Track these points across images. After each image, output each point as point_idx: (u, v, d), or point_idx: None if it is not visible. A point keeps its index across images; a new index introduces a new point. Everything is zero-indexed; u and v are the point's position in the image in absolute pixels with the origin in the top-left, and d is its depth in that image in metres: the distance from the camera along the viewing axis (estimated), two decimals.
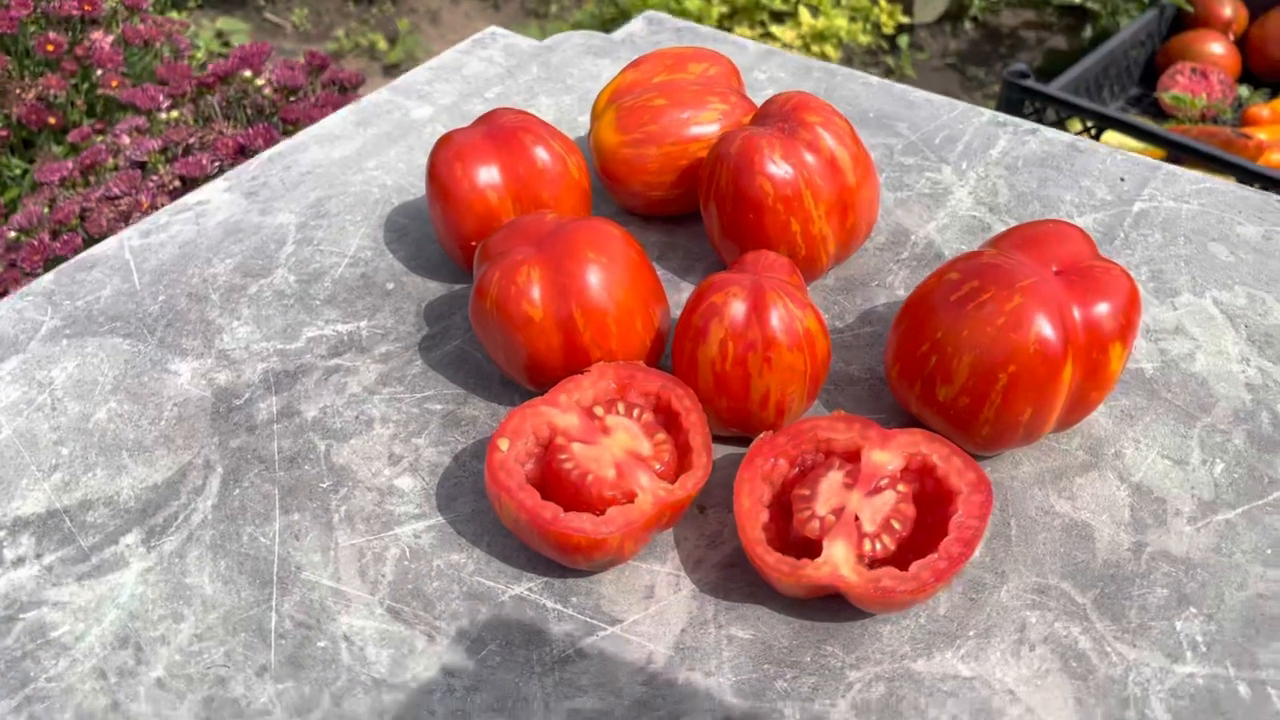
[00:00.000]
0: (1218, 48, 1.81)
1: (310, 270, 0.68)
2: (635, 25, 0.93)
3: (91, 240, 1.02)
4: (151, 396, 0.60)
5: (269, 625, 0.50)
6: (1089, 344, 0.51)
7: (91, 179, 1.10)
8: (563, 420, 0.53)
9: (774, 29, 2.13)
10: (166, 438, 0.58)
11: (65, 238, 1.02)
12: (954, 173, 0.75)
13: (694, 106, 0.66)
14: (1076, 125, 1.60)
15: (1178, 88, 1.75)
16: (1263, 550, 0.52)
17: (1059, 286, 0.51)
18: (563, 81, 0.86)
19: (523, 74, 0.87)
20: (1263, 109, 1.70)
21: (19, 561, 0.52)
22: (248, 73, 1.16)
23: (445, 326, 0.64)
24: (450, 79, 0.86)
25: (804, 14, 2.11)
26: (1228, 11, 1.86)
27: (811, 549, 0.49)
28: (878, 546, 0.48)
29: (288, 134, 1.10)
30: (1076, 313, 0.50)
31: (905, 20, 2.29)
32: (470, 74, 0.87)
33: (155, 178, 1.04)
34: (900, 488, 0.50)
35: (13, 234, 1.06)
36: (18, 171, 1.30)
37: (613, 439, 0.53)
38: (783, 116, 0.61)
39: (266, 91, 1.15)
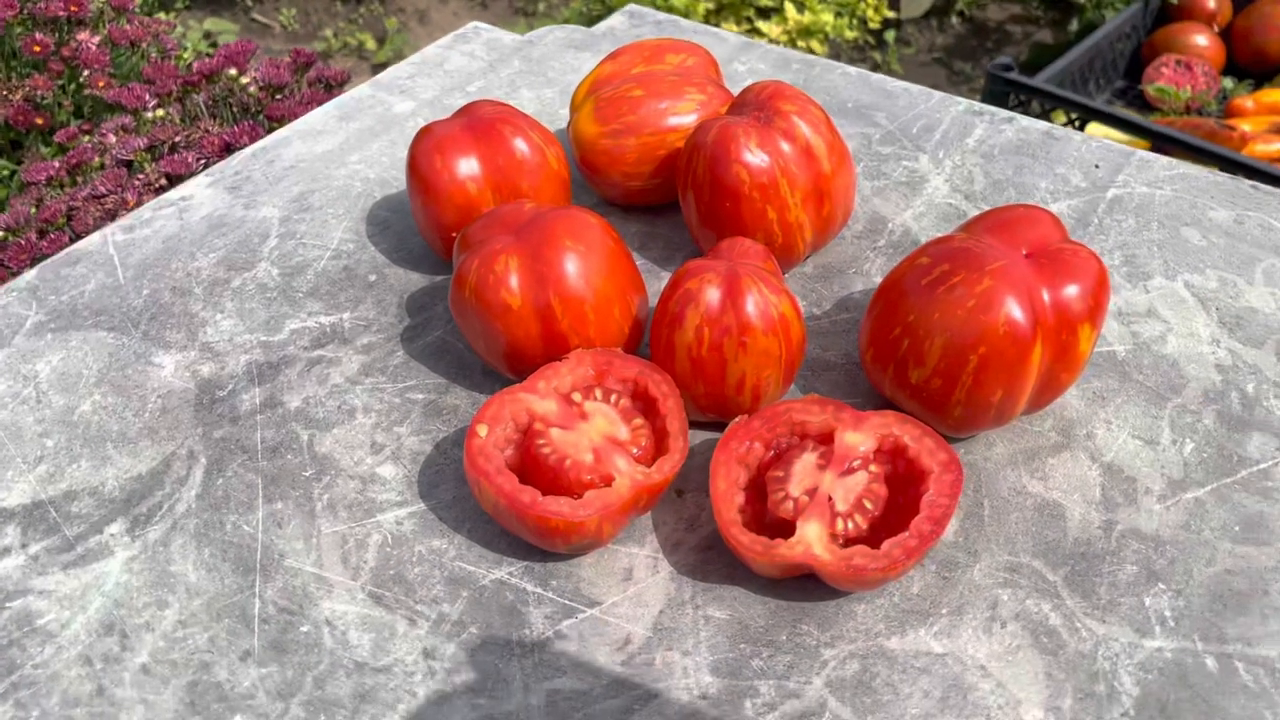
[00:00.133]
0: (1202, 40, 1.83)
1: (293, 263, 0.69)
2: (616, 19, 0.94)
3: (78, 239, 1.02)
4: (136, 389, 0.61)
5: (252, 611, 0.50)
6: (1058, 325, 0.51)
7: (79, 179, 1.11)
8: (541, 406, 0.54)
9: (760, 24, 2.14)
10: (150, 429, 0.59)
11: (52, 236, 1.02)
12: (930, 161, 0.76)
13: (671, 97, 0.67)
14: (1061, 118, 1.61)
15: (1162, 80, 1.76)
16: (1231, 527, 0.53)
17: (1028, 269, 0.52)
18: (544, 75, 0.86)
19: (504, 68, 0.87)
20: (1246, 100, 1.71)
21: (5, 551, 0.53)
22: (233, 71, 1.17)
23: (427, 317, 0.65)
24: (432, 74, 0.87)
25: (790, 9, 2.12)
26: (1212, 4, 1.87)
27: (786, 530, 0.50)
28: (850, 526, 0.49)
29: (273, 132, 1.11)
30: (1045, 295, 0.51)
31: (891, 15, 2.30)
32: (452, 68, 0.87)
33: (141, 176, 1.05)
34: (873, 468, 0.51)
35: (0, 234, 1.06)
36: (6, 172, 1.30)
37: (590, 424, 0.53)
38: (758, 105, 0.62)
39: (252, 90, 1.16)
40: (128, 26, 1.37)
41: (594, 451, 0.52)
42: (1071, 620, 0.49)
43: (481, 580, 0.52)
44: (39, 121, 1.30)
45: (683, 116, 0.67)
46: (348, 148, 0.79)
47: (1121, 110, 1.61)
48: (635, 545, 0.53)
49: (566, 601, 0.51)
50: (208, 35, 2.19)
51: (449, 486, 0.56)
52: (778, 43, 2.13)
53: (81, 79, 1.34)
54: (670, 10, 2.10)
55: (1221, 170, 1.38)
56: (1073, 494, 0.54)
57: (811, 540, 0.48)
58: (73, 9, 1.39)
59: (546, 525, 0.49)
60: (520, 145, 0.63)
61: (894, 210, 0.72)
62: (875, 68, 2.21)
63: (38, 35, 1.35)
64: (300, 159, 0.78)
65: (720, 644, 0.49)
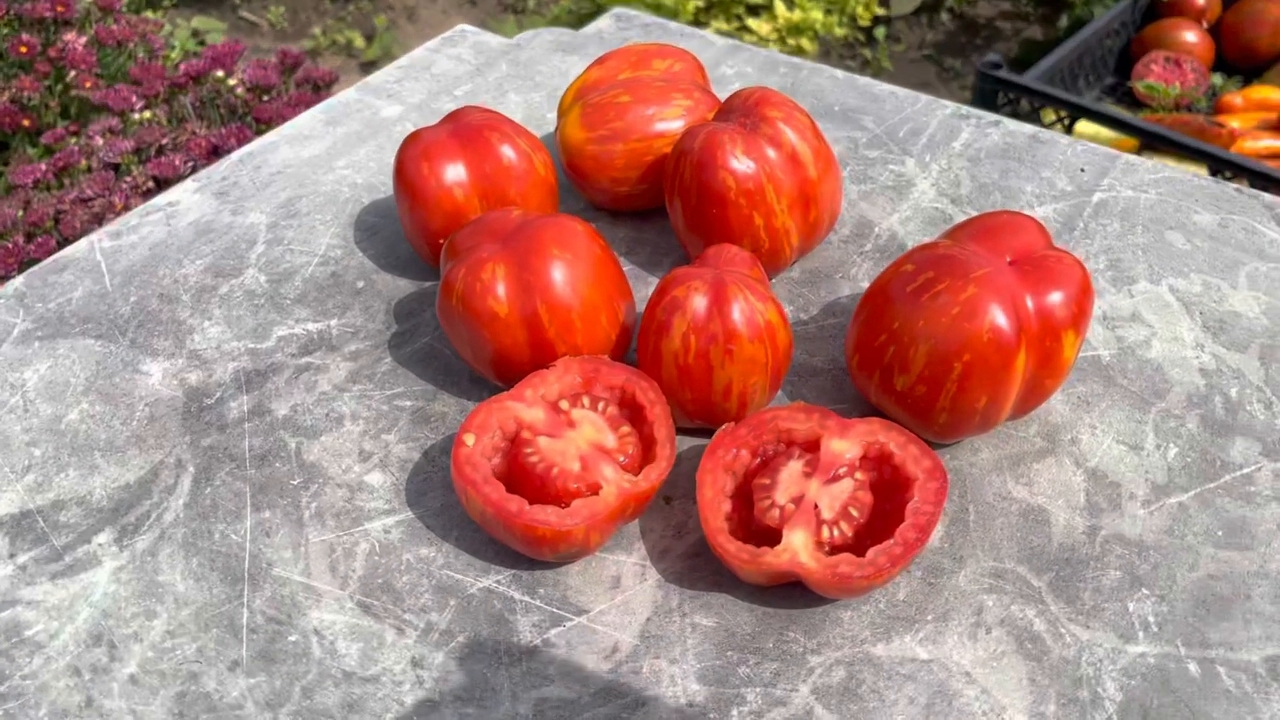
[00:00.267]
0: (1191, 36, 1.83)
1: (281, 270, 0.69)
2: (604, 22, 0.94)
3: (65, 242, 1.02)
4: (123, 397, 0.61)
5: (240, 621, 0.51)
6: (1042, 332, 0.52)
7: (66, 181, 1.10)
8: (528, 414, 0.54)
9: (750, 22, 2.14)
10: (138, 437, 0.59)
11: (40, 240, 1.02)
12: (917, 165, 0.76)
13: (658, 103, 0.67)
14: (1050, 115, 1.61)
15: (1152, 77, 1.77)
16: (1214, 532, 0.53)
17: (1012, 276, 0.52)
18: (531, 79, 0.86)
19: (492, 71, 0.87)
20: (1236, 97, 1.72)
21: None
22: (220, 73, 1.17)
23: (415, 324, 0.65)
24: (419, 77, 0.87)
25: (779, 7, 2.12)
26: (1201, 0, 1.87)
27: (773, 537, 0.50)
28: (836, 533, 0.49)
29: (261, 134, 1.11)
30: (1029, 302, 0.51)
31: (881, 12, 2.30)
32: (439, 72, 0.87)
33: (129, 179, 1.05)
34: (858, 475, 0.51)
35: None
36: None
37: (578, 432, 0.54)
38: (745, 112, 0.62)
39: (239, 91, 1.15)
40: (114, 26, 1.37)
41: (581, 459, 0.52)
42: (1056, 626, 0.50)
43: (469, 589, 0.52)
44: (26, 123, 1.30)
45: (670, 122, 0.67)
46: (335, 153, 0.79)
47: (1111, 107, 1.62)
48: (623, 553, 0.53)
49: (554, 610, 0.51)
50: (195, 33, 2.18)
51: (437, 494, 0.56)
52: (768, 41, 2.13)
53: (68, 80, 1.34)
54: (659, 8, 2.10)
55: (1210, 167, 1.39)
56: (1057, 499, 0.55)
57: (797, 548, 0.48)
58: (59, 9, 1.39)
59: (534, 534, 0.49)
60: (507, 152, 0.63)
61: (881, 214, 0.72)
62: (865, 64, 2.22)
63: (24, 36, 1.34)
64: (287, 164, 0.78)
65: (707, 651, 0.49)
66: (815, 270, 0.68)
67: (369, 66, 2.27)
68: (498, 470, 0.53)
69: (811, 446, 0.53)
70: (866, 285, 0.67)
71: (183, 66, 1.19)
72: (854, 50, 2.26)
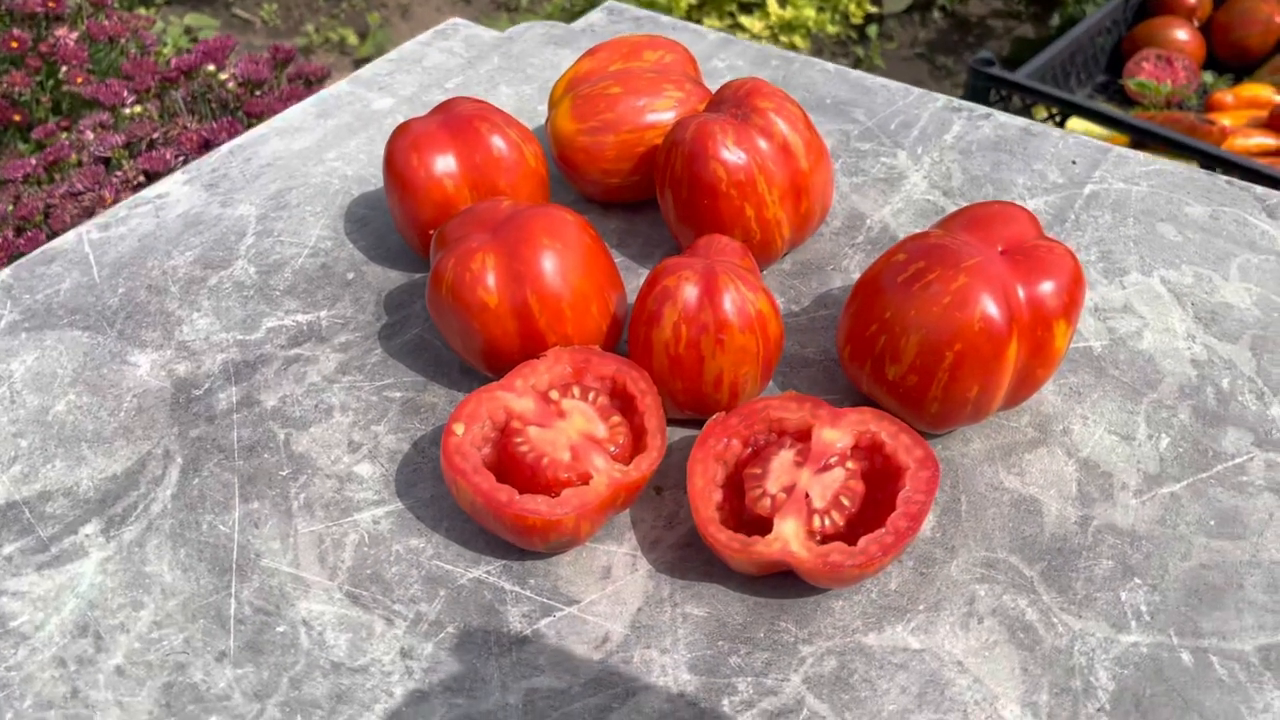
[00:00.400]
0: (1182, 34, 1.83)
1: (270, 261, 0.69)
2: (595, 15, 0.93)
3: (55, 236, 1.02)
4: (111, 388, 0.61)
5: (228, 611, 0.50)
6: (1033, 322, 0.51)
7: (56, 176, 1.10)
8: (518, 404, 0.54)
9: (742, 19, 2.14)
10: (126, 429, 0.58)
11: (29, 234, 1.02)
12: (909, 157, 0.76)
13: (650, 94, 0.67)
14: (1042, 112, 1.61)
15: (1143, 74, 1.77)
16: (1206, 522, 0.53)
17: (1003, 266, 0.52)
18: (523, 71, 0.86)
19: (483, 64, 0.87)
20: (1226, 94, 1.72)
21: None
22: (211, 67, 1.16)
23: (405, 315, 0.65)
24: (411, 70, 0.86)
25: (772, 4, 2.12)
26: None
27: (764, 527, 0.50)
28: (827, 522, 0.49)
29: (252, 128, 1.10)
30: (1021, 291, 0.51)
31: (874, 10, 2.30)
32: (431, 65, 0.87)
33: (119, 173, 1.04)
34: (849, 465, 0.51)
35: None
36: None
37: (568, 422, 0.53)
38: (736, 103, 0.62)
39: (231, 86, 1.15)
40: (106, 22, 1.36)
41: (571, 449, 0.52)
42: (1048, 615, 0.49)
43: (459, 579, 0.52)
44: (16, 118, 1.29)
45: (661, 113, 0.67)
46: (326, 145, 0.78)
47: (1102, 105, 1.62)
48: (614, 543, 0.53)
49: (545, 600, 0.51)
50: (188, 31, 2.17)
51: (427, 485, 0.56)
52: (760, 38, 2.13)
53: (60, 75, 1.33)
54: (652, 6, 2.10)
55: (1201, 163, 1.39)
56: (1049, 489, 0.55)
57: (789, 537, 0.48)
58: (50, 4, 1.38)
59: (524, 523, 0.49)
60: (498, 142, 0.63)
61: (872, 207, 0.72)
62: (857, 63, 2.22)
63: (15, 31, 1.34)
64: (278, 156, 0.77)
65: (698, 641, 0.49)
66: (807, 262, 0.68)
67: (362, 64, 2.26)
68: (488, 460, 0.53)
69: (803, 436, 0.52)
70: (858, 277, 0.67)
71: (174, 61, 1.19)
72: (846, 48, 2.27)
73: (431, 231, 0.63)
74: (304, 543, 0.53)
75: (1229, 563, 0.51)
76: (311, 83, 1.20)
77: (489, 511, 0.49)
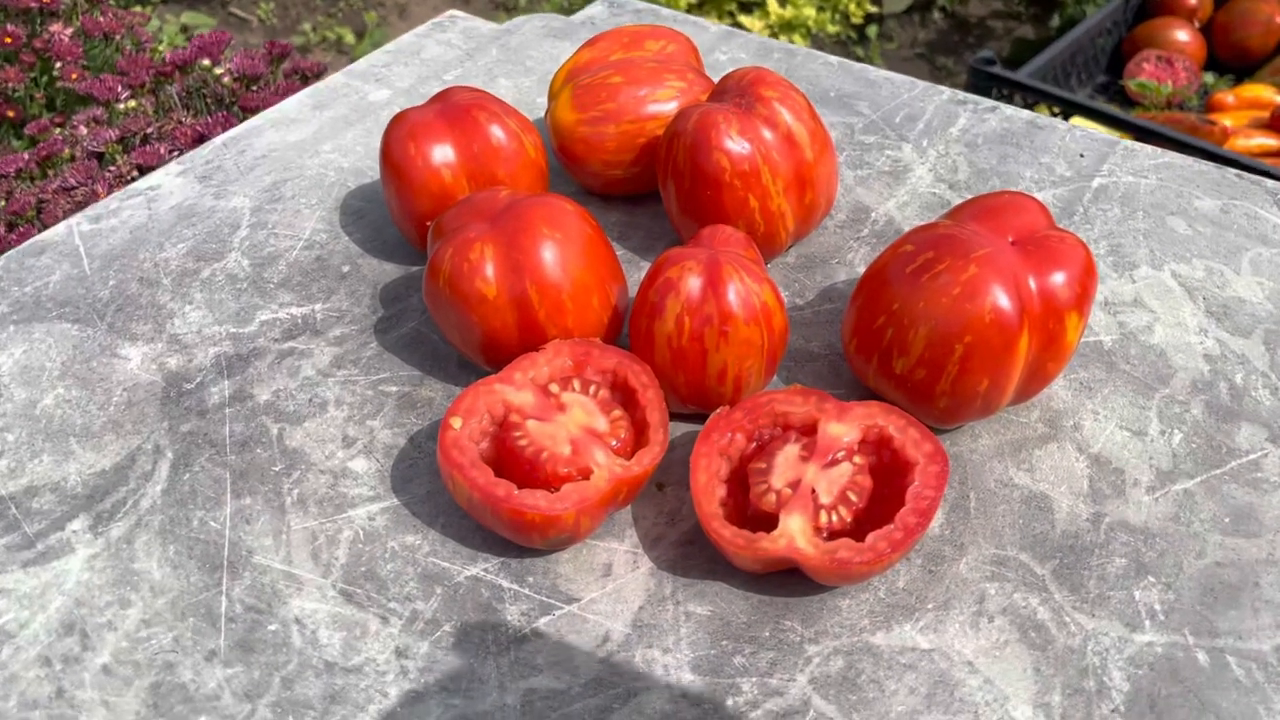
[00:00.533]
0: (1183, 35, 1.82)
1: (264, 254, 0.67)
2: (596, 8, 0.92)
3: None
4: (100, 382, 0.59)
5: (219, 610, 0.49)
6: (1045, 314, 0.50)
7: (49, 171, 1.08)
8: (517, 398, 0.52)
9: (742, 19, 2.13)
10: (115, 423, 0.57)
11: (21, 229, 1.00)
12: (914, 150, 0.75)
13: (651, 84, 0.66)
14: (1043, 112, 1.60)
15: (1144, 75, 1.76)
16: (1221, 519, 0.52)
17: (1014, 256, 0.50)
18: (522, 63, 0.85)
19: (482, 56, 0.86)
20: (1227, 95, 1.71)
21: None
22: (206, 62, 1.15)
23: (401, 308, 0.64)
24: (408, 62, 0.85)
25: (772, 3, 2.11)
26: None
27: (769, 523, 0.48)
28: (834, 518, 0.48)
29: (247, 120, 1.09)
30: (1032, 282, 0.50)
31: (874, 10, 2.29)
32: (429, 57, 0.86)
33: (113, 168, 1.03)
34: (857, 459, 0.50)
35: None
36: None
37: (568, 416, 0.52)
38: (739, 92, 0.61)
39: (226, 81, 1.14)
40: (101, 18, 1.35)
41: (572, 443, 0.51)
42: (1060, 614, 0.48)
43: (456, 577, 0.50)
44: (10, 114, 1.27)
45: (662, 104, 0.65)
46: (321, 136, 0.77)
47: (1104, 105, 1.61)
48: (614, 540, 0.52)
49: (543, 598, 0.49)
50: (185, 29, 2.16)
51: (423, 481, 0.54)
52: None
53: (54, 71, 1.32)
54: (653, 2, 2.09)
55: None
56: (1060, 486, 0.53)
57: (794, 533, 0.47)
58: (45, 0, 1.37)
59: (522, 519, 0.48)
60: (496, 132, 0.62)
61: (877, 200, 0.71)
62: (858, 62, 2.21)
63: (9, 27, 1.32)
64: (273, 148, 0.76)
65: (701, 641, 0.48)
66: (811, 255, 0.67)
67: None
68: (485, 455, 0.52)
69: (809, 430, 0.51)
70: (863, 271, 0.65)
71: (169, 55, 1.18)
72: (846, 48, 2.26)
73: (429, 223, 0.62)
74: (297, 539, 0.52)
75: (1245, 560, 0.50)
76: (308, 78, 1.19)
77: (486, 507, 0.48)
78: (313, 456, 0.55)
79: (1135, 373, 0.59)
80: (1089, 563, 0.50)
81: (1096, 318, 0.62)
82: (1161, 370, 0.59)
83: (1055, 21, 2.19)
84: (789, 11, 2.10)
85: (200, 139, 1.06)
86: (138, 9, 1.68)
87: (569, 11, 2.25)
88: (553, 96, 0.69)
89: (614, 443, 0.52)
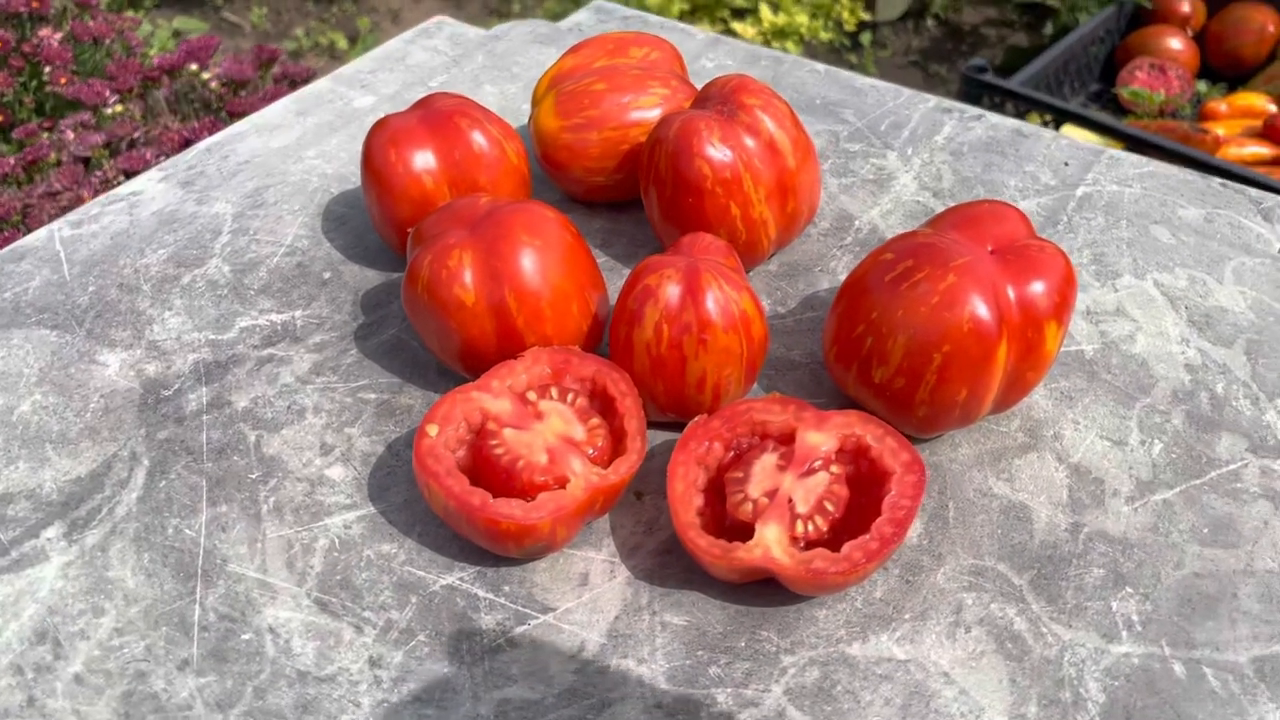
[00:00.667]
0: (1176, 43, 1.83)
1: (245, 260, 0.67)
2: (582, 15, 0.92)
3: None
4: (78, 388, 0.59)
5: (192, 618, 0.49)
6: (1024, 323, 0.50)
7: (35, 176, 1.08)
8: (494, 406, 0.52)
9: (734, 25, 2.13)
10: (92, 430, 0.57)
11: (6, 234, 1.00)
12: (899, 158, 0.74)
13: (634, 91, 0.66)
14: (1035, 120, 1.61)
15: (1136, 83, 1.76)
16: (1200, 529, 0.52)
17: (993, 265, 0.50)
18: (508, 70, 0.85)
19: (468, 63, 0.86)
20: (1220, 104, 1.71)
21: None
22: (194, 66, 1.15)
23: (382, 315, 0.63)
24: (394, 68, 0.85)
25: (764, 10, 2.11)
26: (1186, 7, 1.87)
27: (746, 533, 0.48)
28: (810, 528, 0.48)
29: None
30: (1011, 292, 0.50)
31: (867, 17, 2.30)
32: (415, 63, 0.85)
33: (99, 173, 1.02)
34: (834, 469, 0.50)
35: None
36: None
37: (545, 424, 0.52)
38: (722, 99, 0.61)
39: (214, 85, 1.14)
40: (91, 23, 1.35)
41: (548, 452, 0.50)
42: (1037, 625, 0.48)
43: (431, 586, 0.50)
44: None
45: (646, 111, 0.65)
46: (305, 142, 0.77)
47: (1095, 112, 1.61)
48: (591, 549, 0.52)
49: (519, 608, 0.49)
50: (177, 34, 2.16)
51: (400, 489, 0.54)
52: (753, 44, 2.12)
53: (43, 76, 1.31)
54: (642, 8, 2.09)
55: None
56: (1039, 495, 0.53)
57: (771, 543, 0.47)
58: (35, 5, 1.36)
59: (497, 528, 0.47)
60: (478, 138, 0.61)
61: (861, 208, 0.70)
62: (850, 70, 2.21)
63: None
64: (256, 154, 0.76)
65: (677, 651, 0.47)
66: (793, 263, 0.67)
67: None
68: (462, 463, 0.51)
69: (786, 439, 0.51)
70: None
71: (157, 60, 1.17)
72: (839, 56, 2.26)
73: (409, 229, 0.62)
74: (272, 548, 0.51)
75: (1223, 571, 0.50)
76: (296, 83, 1.19)
77: (462, 515, 0.48)
78: (290, 464, 0.55)
79: (1116, 382, 0.59)
80: (1067, 573, 0.50)
81: (1078, 327, 0.62)
82: (1143, 380, 0.59)
83: (1048, 29, 2.19)
84: (782, 18, 2.10)
85: (187, 144, 1.06)
86: (130, 14, 1.68)
87: (560, 18, 2.25)
88: (536, 103, 0.69)
89: (591, 451, 0.51)
